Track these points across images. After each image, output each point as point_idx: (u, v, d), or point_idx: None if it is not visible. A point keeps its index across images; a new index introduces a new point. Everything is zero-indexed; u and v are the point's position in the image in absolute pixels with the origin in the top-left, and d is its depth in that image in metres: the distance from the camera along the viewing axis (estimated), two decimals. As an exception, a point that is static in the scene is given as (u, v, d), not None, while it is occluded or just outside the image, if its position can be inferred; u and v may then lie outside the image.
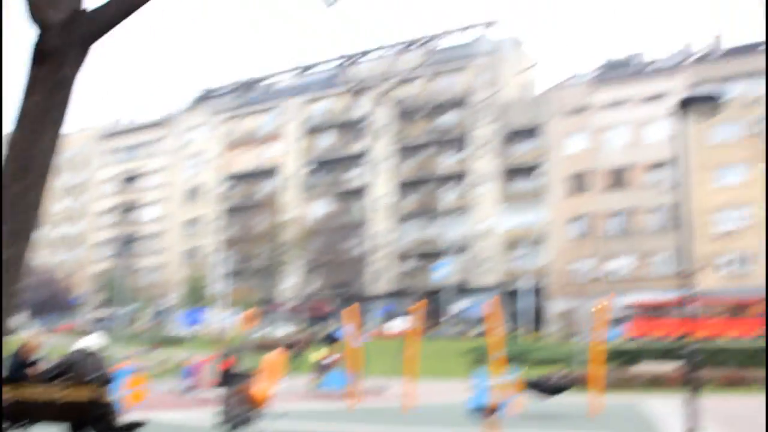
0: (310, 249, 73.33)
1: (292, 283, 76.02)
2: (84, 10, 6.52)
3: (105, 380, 10.80)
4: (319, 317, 71.82)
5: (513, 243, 69.18)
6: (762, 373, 29.55)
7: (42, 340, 11.95)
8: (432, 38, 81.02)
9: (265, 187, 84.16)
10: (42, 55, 6.53)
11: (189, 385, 25.14)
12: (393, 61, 79.74)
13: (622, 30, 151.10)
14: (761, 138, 60.59)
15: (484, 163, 71.38)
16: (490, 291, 65.82)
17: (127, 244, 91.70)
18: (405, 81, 76.78)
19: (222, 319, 59.10)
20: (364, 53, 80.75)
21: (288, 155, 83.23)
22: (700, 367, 20.87)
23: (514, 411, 16.76)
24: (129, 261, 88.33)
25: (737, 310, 51.27)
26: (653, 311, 52.08)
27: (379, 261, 74.83)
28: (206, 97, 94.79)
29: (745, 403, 23.33)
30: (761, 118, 60.83)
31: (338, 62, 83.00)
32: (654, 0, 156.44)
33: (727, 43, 69.26)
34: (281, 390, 16.98)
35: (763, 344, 35.85)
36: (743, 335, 46.22)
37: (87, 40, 6.55)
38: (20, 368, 11.28)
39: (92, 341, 11.32)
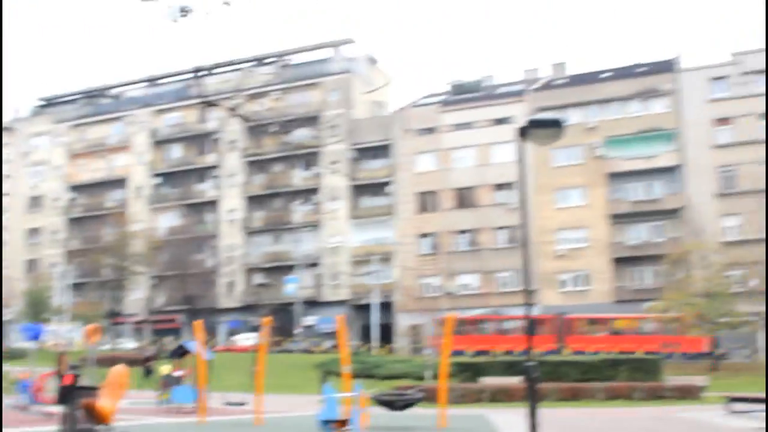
0: (158, 261, 71.87)
1: (139, 296, 74.30)
2: None
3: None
4: (165, 331, 70.45)
5: (363, 258, 69.80)
6: (598, 385, 31.06)
7: None
8: (285, 54, 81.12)
9: (112, 198, 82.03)
10: None
11: (28, 400, 24.22)
12: (245, 76, 79.41)
13: (472, 53, 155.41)
14: (598, 163, 63.68)
15: (335, 179, 71.87)
16: (340, 306, 66.35)
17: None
18: (257, 96, 76.63)
19: (65, 333, 57.08)
20: (216, 66, 79.85)
21: (136, 166, 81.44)
22: (541, 381, 21.71)
23: (364, 424, 16.96)
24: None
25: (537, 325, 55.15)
26: (465, 326, 54.40)
27: (229, 274, 74.13)
28: (50, 104, 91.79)
29: (581, 415, 24.36)
30: (599, 144, 63.96)
31: (189, 74, 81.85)
32: (502, 26, 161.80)
33: (570, 71, 72.40)
34: (127, 404, 16.61)
35: (598, 359, 37.56)
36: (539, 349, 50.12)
37: None
38: None
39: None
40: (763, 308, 52.06)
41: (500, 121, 66.79)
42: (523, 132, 13.22)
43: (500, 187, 66.02)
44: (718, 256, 52.28)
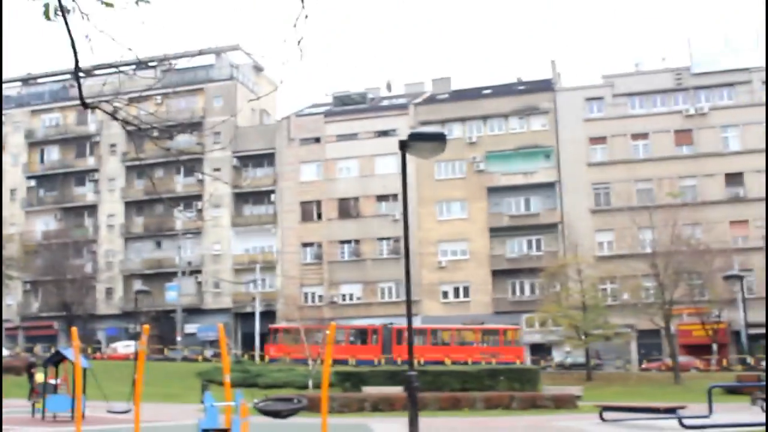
0: (33, 266, 69.70)
1: (13, 302, 71.91)
2: None
3: None
4: (42, 337, 68.41)
5: (245, 267, 69.37)
6: (477, 394, 31.72)
7: None
8: (168, 58, 79.90)
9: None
10: None
11: None
12: (126, 78, 77.75)
13: (356, 65, 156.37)
14: (479, 177, 65.07)
15: (218, 186, 71.19)
16: (222, 314, 65.75)
17: None
18: (138, 99, 75.06)
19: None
20: (96, 67, 77.96)
21: (11, 167, 78.73)
22: (422, 390, 22.10)
23: (245, 432, 16.92)
24: None
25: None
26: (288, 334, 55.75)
27: (108, 280, 72.52)
28: None
29: (461, 423, 24.85)
30: (479, 159, 65.37)
31: (67, 74, 79.89)
32: (386, 39, 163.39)
33: (453, 86, 73.77)
34: (2, 413, 16.17)
35: (477, 369, 38.40)
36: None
37: None
38: None
39: None
40: (634, 321, 54.30)
41: (384, 133, 67.52)
42: (405, 145, 13.50)
43: (383, 198, 66.72)
44: (593, 270, 54.09)
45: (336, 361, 48.81)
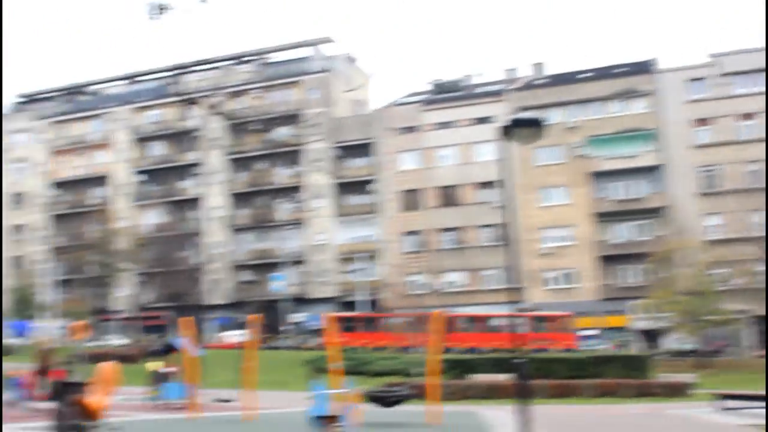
0: (143, 258, 71.65)
1: (126, 293, 74.12)
2: None
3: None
4: (153, 327, 70.26)
5: (348, 256, 69.87)
6: (587, 382, 31.20)
7: None
8: (265, 52, 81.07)
9: (94, 195, 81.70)
10: None
11: (18, 397, 24.16)
12: (225, 73, 79.37)
13: (452, 52, 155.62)
14: (580, 163, 63.95)
15: (318, 177, 71.96)
16: (327, 303, 66.40)
17: None
18: (237, 93, 76.67)
19: (52, 330, 56.83)
20: (196, 64, 79.96)
21: (117, 163, 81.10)
22: (531, 377, 21.81)
23: (354, 421, 17.00)
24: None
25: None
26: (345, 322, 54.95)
27: (215, 271, 74.01)
28: (31, 101, 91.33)
29: (571, 411, 24.47)
30: (580, 144, 64.27)
31: (169, 72, 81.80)
32: (481, 25, 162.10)
33: (550, 71, 72.72)
34: (116, 401, 16.59)
35: (587, 356, 37.77)
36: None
37: None
38: None
39: None
40: (747, 307, 52.55)
41: (481, 120, 67.06)
42: (506, 131, 13.26)
43: (483, 185, 66.19)
44: (702, 255, 52.63)
45: (398, 349, 49.01)
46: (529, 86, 69.68)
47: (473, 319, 56.77)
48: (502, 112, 63.55)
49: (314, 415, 16.10)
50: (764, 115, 59.61)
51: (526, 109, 62.83)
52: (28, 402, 23.35)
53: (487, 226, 65.69)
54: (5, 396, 25.01)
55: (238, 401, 22.48)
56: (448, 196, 68.70)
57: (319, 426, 15.71)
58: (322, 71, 76.06)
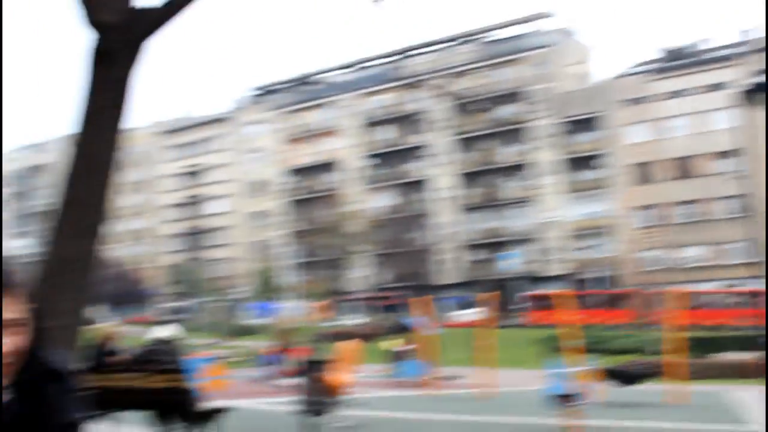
0: (376, 240, 73.51)
1: (361, 274, 76.39)
2: (138, 10, 6.60)
3: (183, 369, 10.93)
4: (390, 307, 71.97)
5: (579, 233, 68.56)
6: None
7: (119, 331, 12.13)
8: (485, 30, 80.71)
9: (326, 180, 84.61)
10: (99, 56, 6.63)
11: (266, 373, 25.45)
12: (448, 54, 79.66)
13: (678, 18, 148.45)
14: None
15: (544, 153, 70.91)
16: (559, 280, 65.50)
17: (195, 237, 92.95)
18: (461, 74, 76.73)
19: (294, 310, 59.58)
20: (419, 46, 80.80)
21: (347, 149, 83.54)
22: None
23: (594, 399, 16.59)
24: (198, 254, 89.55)
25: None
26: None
27: (445, 251, 74.80)
28: (264, 92, 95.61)
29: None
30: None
31: (392, 56, 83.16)
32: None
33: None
34: (357, 378, 17.05)
35: None
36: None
37: (142, 38, 6.64)
38: (102, 357, 11.47)
39: (168, 331, 11.47)
40: None
41: (714, 87, 63.56)
42: (747, 96, 12.41)
43: (721, 155, 62.85)
44: None
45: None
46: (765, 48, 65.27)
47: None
48: (736, 77, 59.97)
49: (551, 394, 15.83)
50: None
51: (761, 72, 58.91)
52: (274, 379, 24.53)
53: (727, 197, 62.39)
54: (252, 373, 26.39)
55: (467, 379, 22.56)
56: (683, 168, 65.84)
57: (557, 404, 15.44)
58: (544, 47, 74.89)
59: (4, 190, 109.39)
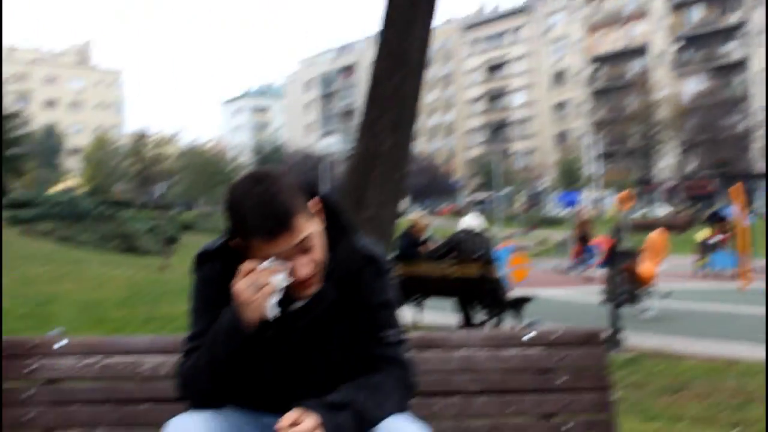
0: (685, 128, 70.32)
1: (668, 163, 73.74)
2: None
3: (490, 258, 11.20)
4: (699, 197, 69.18)
5: None
6: None
7: (428, 222, 12.60)
8: None
9: (632, 68, 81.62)
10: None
11: (570, 264, 25.59)
12: None
13: None
14: None
15: None
16: None
17: (497, 130, 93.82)
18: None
19: (597, 201, 58.91)
20: None
21: (655, 33, 79.67)
22: None
23: None
24: (501, 146, 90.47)
25: None
26: None
27: (760, 138, 70.19)
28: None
29: None
30: None
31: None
32: None
33: None
34: (664, 269, 16.66)
35: None
36: None
37: None
38: (411, 247, 12.01)
39: (474, 222, 11.71)
40: None
41: None
42: None
43: None
44: None
45: None
46: None
47: None
48: None
49: None
50: None
51: None
52: (578, 269, 24.60)
53: None
54: (556, 263, 26.57)
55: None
56: None
57: None
58: None
59: (314, 93, 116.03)
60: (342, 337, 2.43)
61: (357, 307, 2.42)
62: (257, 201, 2.24)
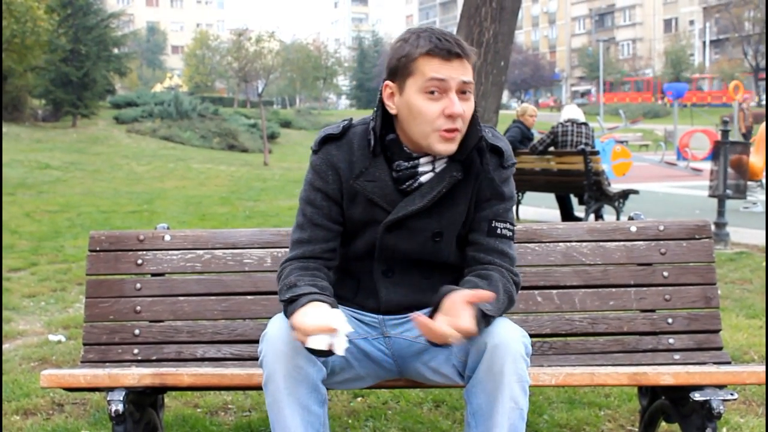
0: None
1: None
2: None
3: (595, 150, 10.98)
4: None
5: None
6: None
7: (532, 114, 12.35)
8: None
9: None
10: None
11: (679, 156, 25.04)
12: None
13: None
14: None
15: None
16: None
17: (602, 17, 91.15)
18: None
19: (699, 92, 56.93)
20: None
21: None
22: None
23: None
24: (606, 34, 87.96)
25: None
26: None
27: None
28: None
29: None
30: None
31: None
32: None
33: None
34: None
35: None
36: None
37: None
38: (523, 139, 11.77)
39: (578, 113, 11.45)
40: None
41: None
42: None
43: None
44: None
45: None
46: None
47: None
48: None
49: None
50: None
51: None
52: (684, 161, 24.01)
53: None
54: (662, 156, 25.96)
55: None
56: None
57: None
58: None
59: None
60: (458, 219, 2.41)
61: (478, 193, 2.40)
62: (436, 30, 2.24)
